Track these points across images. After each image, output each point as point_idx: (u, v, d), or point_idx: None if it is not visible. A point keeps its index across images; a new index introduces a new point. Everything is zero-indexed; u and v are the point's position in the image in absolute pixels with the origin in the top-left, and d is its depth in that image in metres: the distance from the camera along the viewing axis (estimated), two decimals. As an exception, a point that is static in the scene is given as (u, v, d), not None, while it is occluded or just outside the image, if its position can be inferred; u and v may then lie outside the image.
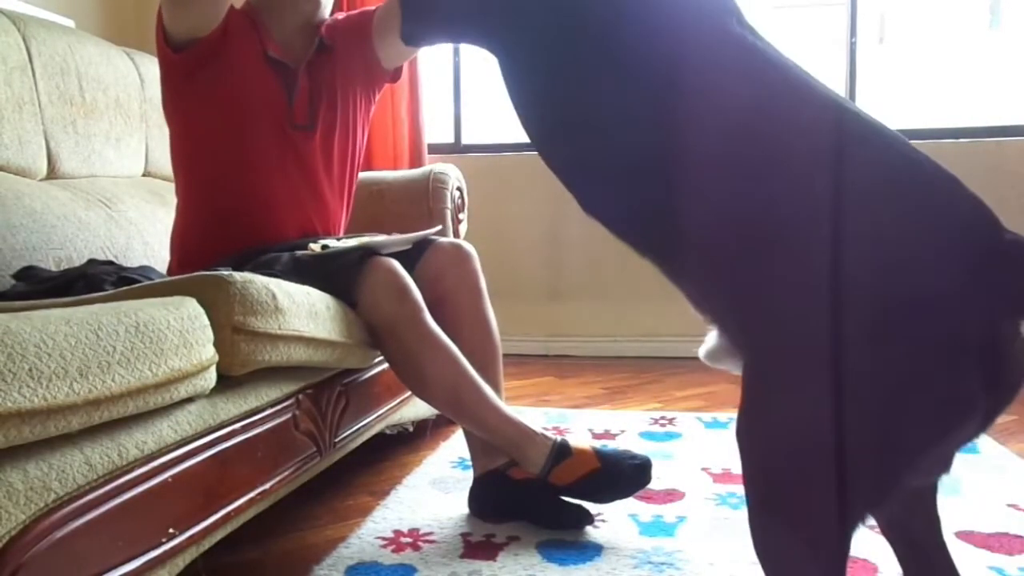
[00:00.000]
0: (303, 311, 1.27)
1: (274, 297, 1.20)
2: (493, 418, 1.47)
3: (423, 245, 1.67)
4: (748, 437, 0.80)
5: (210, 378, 1.07)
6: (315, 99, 1.69)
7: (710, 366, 0.93)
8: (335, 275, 1.45)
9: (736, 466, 1.77)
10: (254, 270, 1.42)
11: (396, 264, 1.49)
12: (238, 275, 1.15)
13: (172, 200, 1.76)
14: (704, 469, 1.78)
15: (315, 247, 1.55)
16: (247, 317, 1.13)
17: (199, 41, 1.58)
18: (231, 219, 1.63)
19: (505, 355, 1.69)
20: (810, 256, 0.76)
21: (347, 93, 1.74)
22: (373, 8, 1.77)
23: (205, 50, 1.59)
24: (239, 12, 1.66)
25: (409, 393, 1.78)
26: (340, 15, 1.81)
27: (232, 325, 1.11)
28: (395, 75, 1.81)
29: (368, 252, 1.49)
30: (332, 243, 1.58)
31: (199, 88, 1.62)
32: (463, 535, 1.45)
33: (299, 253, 1.53)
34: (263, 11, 1.69)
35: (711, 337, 0.91)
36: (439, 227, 1.81)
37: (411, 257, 1.62)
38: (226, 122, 1.63)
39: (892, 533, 0.90)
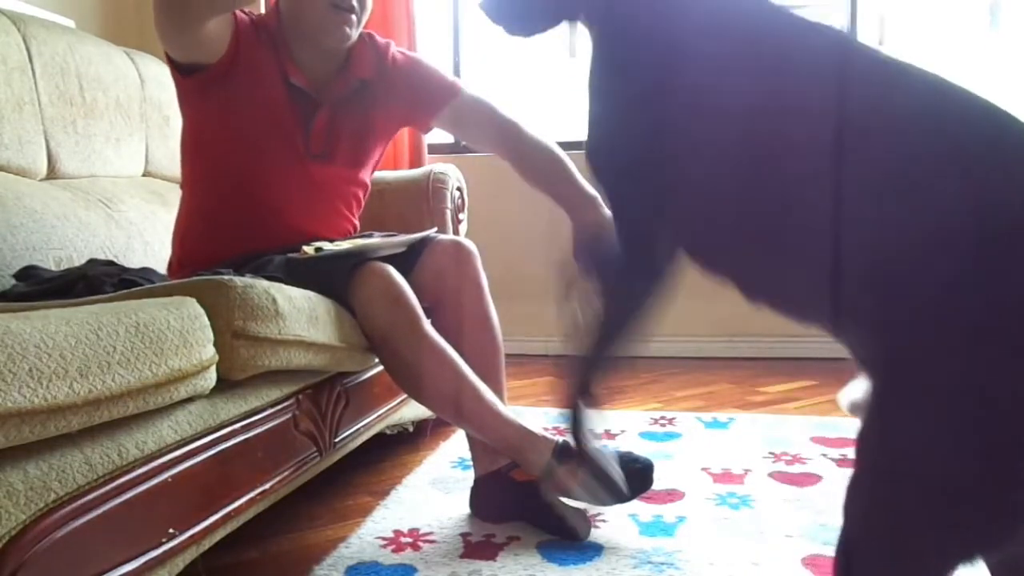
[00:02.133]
0: (303, 316, 1.27)
1: (275, 302, 1.19)
2: (494, 423, 1.47)
3: (422, 244, 1.65)
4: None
5: (210, 378, 1.07)
6: (337, 132, 1.66)
7: (851, 415, 0.89)
8: (328, 280, 1.43)
9: (735, 466, 1.78)
10: (251, 273, 1.41)
11: (390, 269, 1.46)
12: (239, 279, 1.15)
13: (172, 200, 1.76)
14: (704, 469, 1.78)
15: (308, 249, 1.53)
16: (247, 322, 1.13)
17: (207, 67, 1.55)
18: (237, 225, 1.61)
19: (505, 355, 1.68)
20: (947, 267, 0.70)
21: (380, 130, 1.74)
22: (459, 87, 1.74)
23: (215, 75, 1.56)
24: (258, 31, 1.61)
25: (409, 393, 1.78)
26: (407, 57, 1.75)
27: (232, 330, 1.11)
28: (427, 129, 1.84)
29: (361, 257, 1.47)
30: (326, 245, 1.56)
31: (213, 104, 1.59)
32: (463, 535, 1.45)
33: (291, 256, 1.51)
34: (289, 34, 1.63)
35: (857, 386, 0.84)
36: (434, 228, 1.80)
37: (410, 257, 1.60)
38: (239, 139, 1.60)
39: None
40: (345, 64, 1.67)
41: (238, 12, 1.58)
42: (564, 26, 1.03)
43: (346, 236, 1.73)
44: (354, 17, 1.59)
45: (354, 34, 1.63)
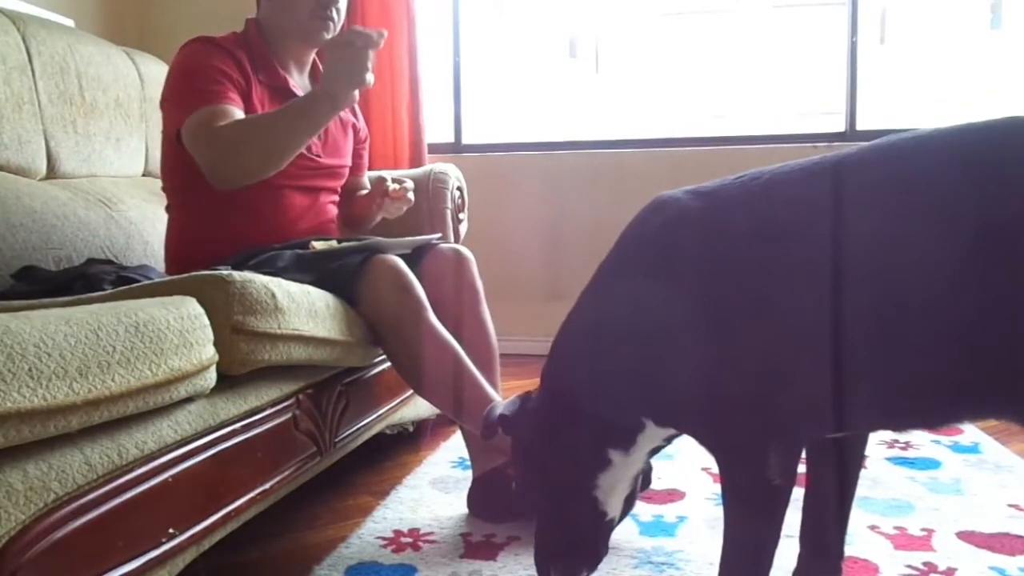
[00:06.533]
0: (303, 310, 1.27)
1: (273, 296, 1.19)
2: None
3: (423, 250, 1.69)
4: None
5: (210, 378, 1.07)
6: (325, 130, 1.75)
7: None
8: (338, 272, 1.46)
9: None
10: (256, 268, 1.42)
11: (399, 261, 1.50)
12: (237, 274, 1.15)
13: (172, 200, 1.76)
14: (704, 469, 1.78)
15: (317, 245, 1.56)
16: (246, 317, 1.13)
17: None
18: (238, 224, 1.62)
19: (505, 355, 1.69)
20: None
21: (344, 121, 1.85)
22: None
23: None
24: (248, 49, 1.66)
25: (409, 393, 1.78)
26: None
27: (231, 325, 1.11)
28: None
29: (372, 250, 1.50)
30: (334, 243, 1.59)
31: None
32: (463, 535, 1.45)
33: (301, 251, 1.53)
34: (274, 45, 1.71)
35: None
36: (439, 235, 1.83)
37: (411, 261, 1.62)
38: None
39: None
40: (314, 70, 1.80)
41: (220, 41, 1.64)
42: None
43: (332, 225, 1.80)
44: (331, 24, 1.69)
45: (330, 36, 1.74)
